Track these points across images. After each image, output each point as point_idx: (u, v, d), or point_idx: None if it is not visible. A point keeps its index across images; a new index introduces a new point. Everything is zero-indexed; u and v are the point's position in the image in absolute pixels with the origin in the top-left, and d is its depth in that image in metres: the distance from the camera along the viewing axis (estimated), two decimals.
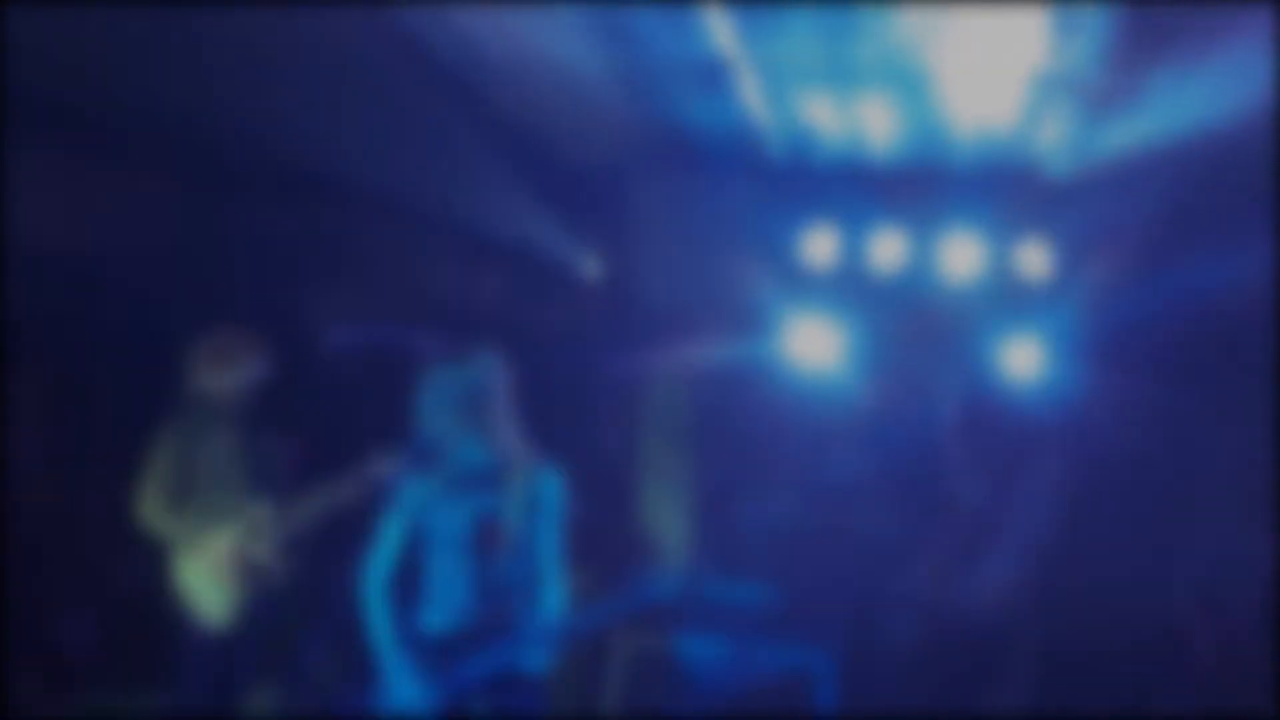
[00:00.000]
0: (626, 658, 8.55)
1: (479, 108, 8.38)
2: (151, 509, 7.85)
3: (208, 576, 7.84)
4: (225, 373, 7.94)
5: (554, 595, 6.40)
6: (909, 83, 7.81)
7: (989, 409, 7.61)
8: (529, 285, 9.62)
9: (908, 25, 6.99)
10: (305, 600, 8.20)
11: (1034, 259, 9.29)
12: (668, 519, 9.69)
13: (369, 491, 7.28)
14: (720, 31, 7.13)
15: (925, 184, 9.24)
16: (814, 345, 9.37)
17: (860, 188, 9.27)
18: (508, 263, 9.49)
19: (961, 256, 9.32)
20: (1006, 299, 9.24)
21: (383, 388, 8.94)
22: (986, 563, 7.83)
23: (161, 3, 6.89)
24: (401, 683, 6.25)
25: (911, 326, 9.31)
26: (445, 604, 6.33)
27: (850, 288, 9.36)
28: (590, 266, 9.84)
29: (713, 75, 7.78)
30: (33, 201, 8.25)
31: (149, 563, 8.19)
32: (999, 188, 9.20)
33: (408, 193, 8.69)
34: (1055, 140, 8.57)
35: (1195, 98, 7.67)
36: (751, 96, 8.09)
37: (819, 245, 9.40)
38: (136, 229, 9.18)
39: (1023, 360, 9.11)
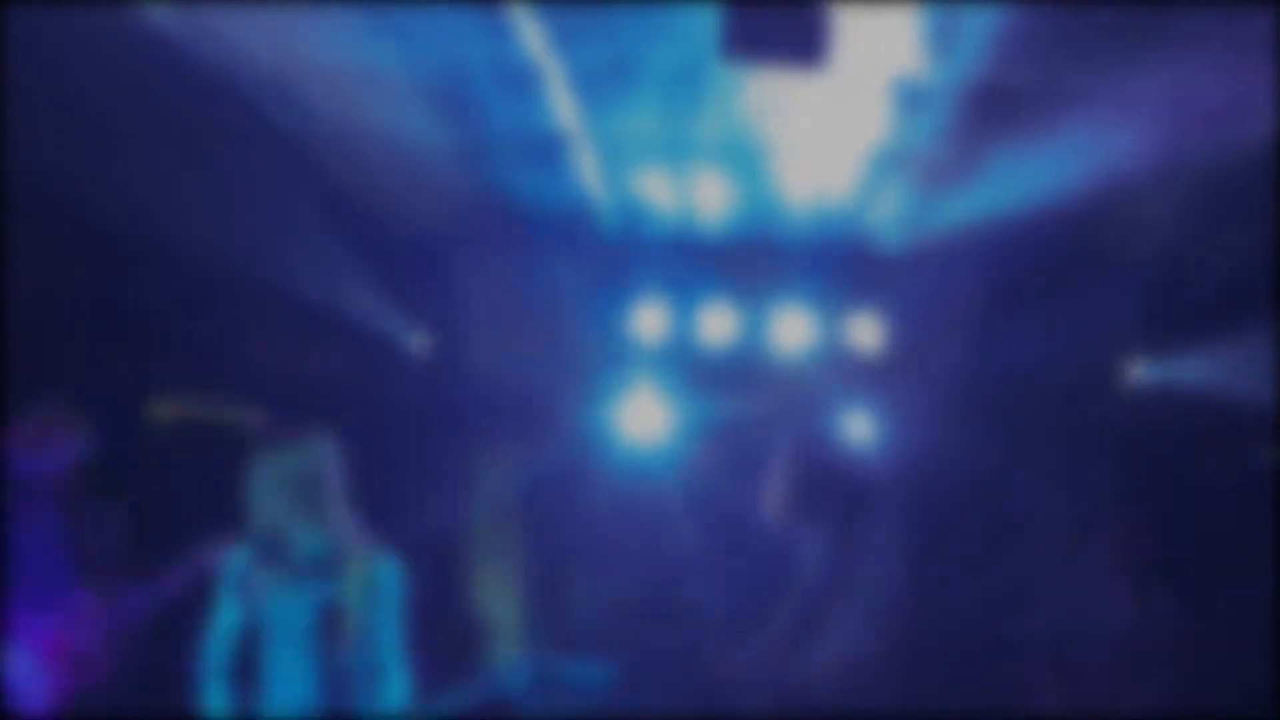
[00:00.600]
0: None
1: (313, 176, 8.21)
2: None
3: (30, 666, 7.56)
4: (44, 456, 7.68)
5: (397, 685, 6.18)
6: (745, 157, 7.79)
7: (820, 469, 7.55)
8: (360, 359, 9.42)
9: (749, 100, 6.94)
10: (133, 690, 7.92)
11: (866, 331, 9.31)
12: (503, 600, 9.55)
13: (197, 581, 7.08)
14: (562, 107, 7.04)
15: (757, 257, 9.25)
16: (645, 420, 9.31)
17: (691, 262, 9.25)
18: (339, 335, 9.28)
19: (793, 329, 9.33)
20: (839, 371, 9.24)
21: (209, 462, 8.74)
22: (831, 633, 7.75)
23: None
24: None
25: (743, 399, 9.27)
26: (285, 697, 6.08)
27: (681, 361, 9.32)
28: (421, 340, 9.68)
29: (549, 150, 7.71)
30: None
31: None
32: (831, 261, 9.23)
33: (239, 261, 8.46)
34: (889, 214, 8.59)
35: (1028, 173, 7.73)
36: (587, 171, 8.01)
37: (649, 320, 9.34)
38: None
39: (856, 428, 9.10)
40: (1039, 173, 7.72)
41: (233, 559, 6.19)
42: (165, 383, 9.13)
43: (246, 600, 6.11)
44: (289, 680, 6.08)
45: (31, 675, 7.53)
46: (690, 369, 9.32)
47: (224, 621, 6.15)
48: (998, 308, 9.21)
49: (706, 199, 8.45)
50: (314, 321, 9.14)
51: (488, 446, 9.60)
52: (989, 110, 7.09)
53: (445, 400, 9.46)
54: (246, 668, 6.17)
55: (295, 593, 6.09)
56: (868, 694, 7.82)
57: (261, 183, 8.16)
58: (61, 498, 7.71)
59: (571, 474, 9.39)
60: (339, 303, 9.07)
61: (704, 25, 5.86)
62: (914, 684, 8.10)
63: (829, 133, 7.37)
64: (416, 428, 9.22)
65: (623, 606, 9.32)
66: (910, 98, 6.95)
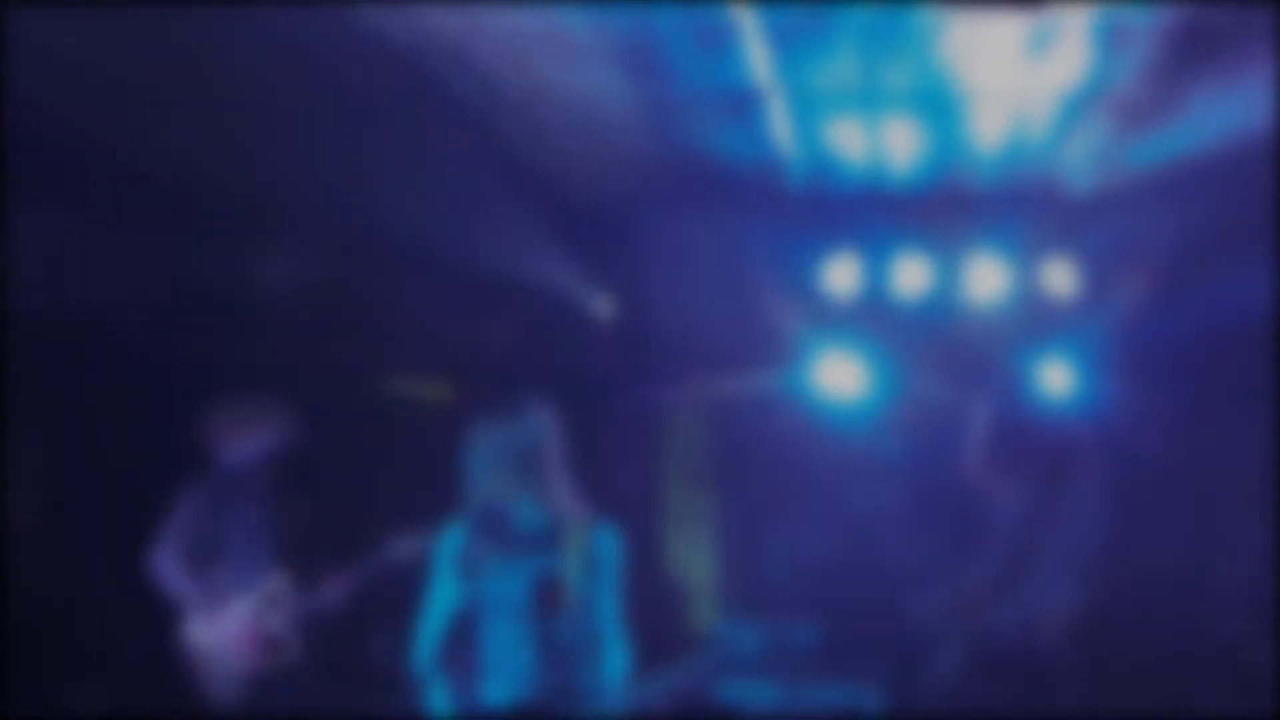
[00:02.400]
0: (675, 709, 8.30)
1: (495, 145, 8.12)
2: (169, 570, 7.62)
3: (221, 647, 7.59)
4: (247, 442, 7.72)
5: (618, 657, 6.07)
6: (939, 105, 7.59)
7: (1021, 429, 7.41)
8: (547, 326, 9.36)
9: (947, 46, 6.77)
10: (323, 678, 7.92)
11: (1060, 278, 9.11)
12: (698, 563, 9.48)
13: (390, 571, 7.06)
14: (756, 60, 6.88)
15: (949, 206, 9.07)
16: (839, 375, 9.18)
17: (882, 213, 9.09)
18: (525, 304, 9.23)
19: (986, 279, 9.16)
20: (1034, 319, 9.06)
21: (397, 445, 8.73)
22: (1028, 586, 7.62)
23: (159, 48, 6.60)
24: None
25: (938, 351, 9.12)
26: (506, 673, 5.98)
27: (874, 315, 9.17)
28: (608, 305, 9.59)
29: (741, 105, 7.54)
30: (27, 259, 7.98)
31: (159, 632, 7.94)
32: (1024, 207, 9.06)
33: (419, 236, 8.40)
34: (1083, 156, 8.37)
35: (1225, 113, 7.50)
36: (778, 125, 7.85)
37: (841, 274, 9.22)
38: (140, 285, 8.89)
39: (1054, 379, 8.96)
40: (1236, 113, 7.47)
41: (450, 536, 6.09)
42: (359, 366, 9.16)
43: (466, 577, 6.02)
44: (508, 656, 5.98)
45: (223, 656, 7.56)
46: (883, 322, 9.17)
47: (442, 599, 6.06)
48: (1193, 251, 8.96)
49: (898, 149, 8.27)
50: (499, 291, 9.10)
51: (678, 408, 9.52)
52: (1189, 48, 6.87)
53: (634, 364, 9.38)
54: (462, 647, 6.10)
55: (514, 566, 5.99)
56: (1061, 650, 7.70)
57: (448, 159, 8.09)
58: (262, 484, 7.74)
59: (764, 432, 9.29)
60: (524, 271, 9.01)
61: None
62: (1110, 640, 7.97)
63: (1026, 76, 7.17)
64: (605, 393, 9.15)
65: (817, 564, 9.22)
66: (1112, 35, 6.74)
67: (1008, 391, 8.62)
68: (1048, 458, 7.47)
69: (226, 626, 7.60)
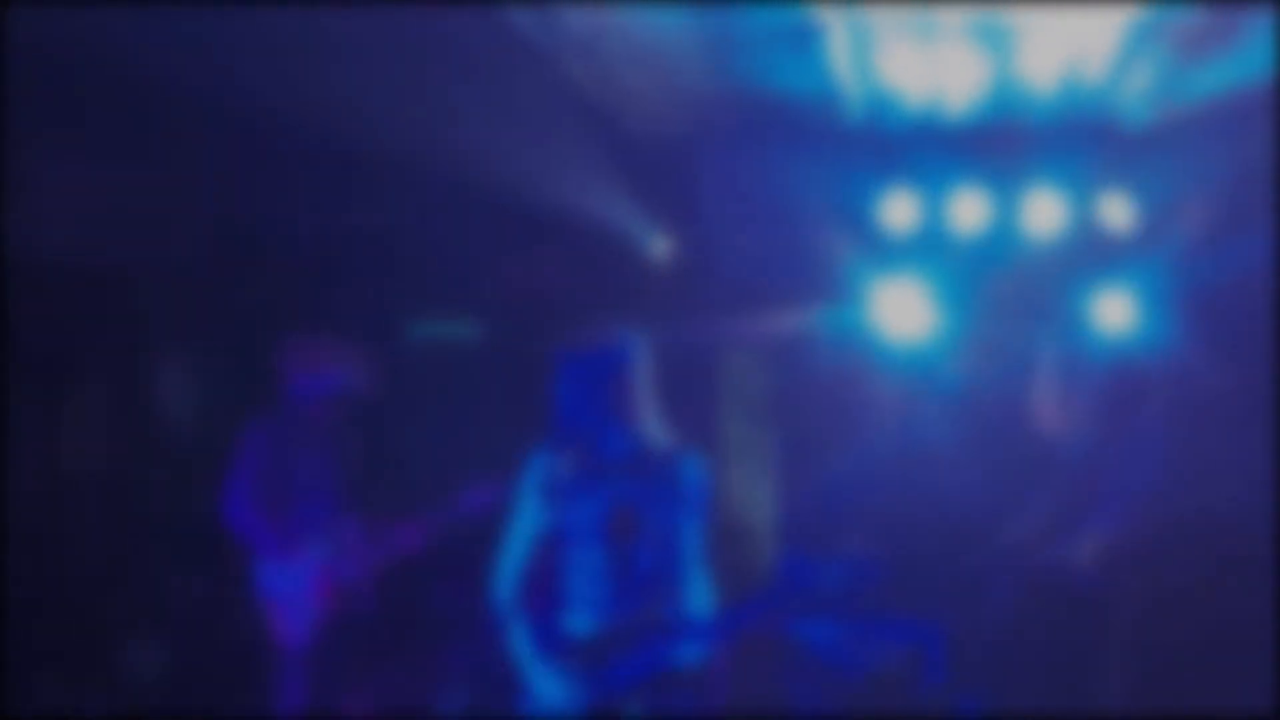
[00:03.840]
0: (742, 645, 8.33)
1: (557, 81, 8.12)
2: (240, 514, 7.65)
3: (293, 593, 7.62)
4: (320, 381, 7.73)
5: (701, 588, 6.09)
6: (996, 37, 7.58)
7: (1082, 364, 7.41)
8: (605, 263, 9.36)
9: None
10: (394, 626, 7.97)
11: (1118, 211, 9.11)
12: (758, 499, 9.49)
13: (464, 521, 7.09)
14: None
15: (1006, 140, 9.07)
16: (899, 310, 9.18)
17: (939, 148, 9.09)
18: (583, 241, 9.23)
19: (1044, 212, 9.16)
20: (1092, 253, 9.06)
21: (467, 386, 8.75)
22: (1090, 520, 7.62)
23: None
24: (550, 692, 5.94)
25: (997, 285, 9.12)
26: (588, 602, 5.99)
27: (933, 250, 9.17)
28: (662, 241, 9.59)
29: (800, 38, 7.53)
30: (55, 203, 8.00)
31: (214, 579, 7.98)
32: (1081, 140, 9.05)
33: (481, 172, 8.41)
34: (1140, 90, 8.36)
35: None
36: (837, 56, 7.84)
37: (899, 209, 9.21)
38: (191, 231, 8.92)
39: (1114, 313, 8.94)
40: None
41: (536, 463, 6.11)
42: (419, 307, 9.18)
43: (550, 504, 6.04)
44: (591, 585, 5.99)
45: (295, 600, 7.59)
46: (942, 256, 9.17)
47: (526, 526, 6.08)
48: (1249, 185, 8.94)
49: (954, 82, 8.26)
50: (558, 229, 9.10)
51: (738, 345, 9.52)
52: None
53: (693, 301, 9.38)
54: (546, 576, 6.13)
55: (596, 494, 6.00)
56: (1120, 585, 7.71)
57: (508, 91, 8.08)
58: (335, 425, 7.76)
59: (823, 369, 9.29)
60: (585, 206, 9.00)
61: None
62: (1167, 577, 7.98)
63: (1083, 11, 7.16)
64: (664, 330, 9.15)
65: (877, 500, 9.22)
66: None
67: (1070, 327, 8.61)
68: (1112, 393, 7.46)
69: (300, 572, 7.63)
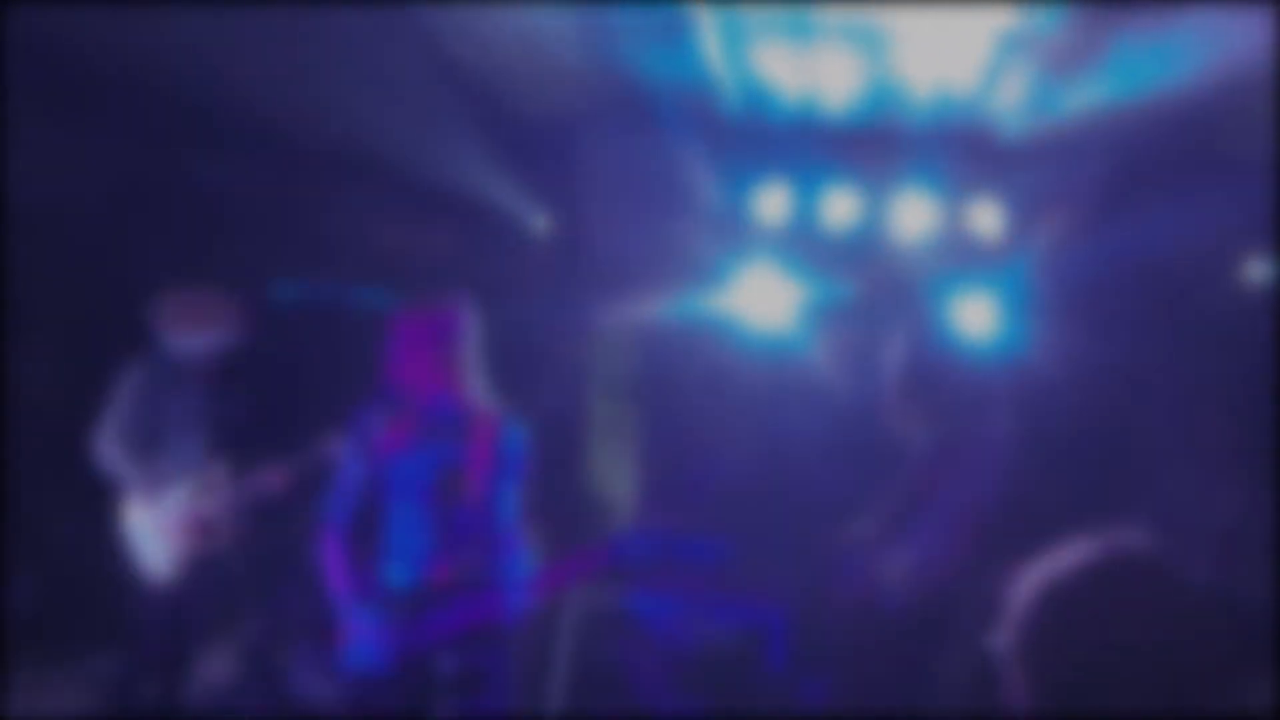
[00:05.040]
0: (581, 615, 8.51)
1: (439, 60, 8.26)
2: (110, 451, 7.78)
3: (156, 530, 7.76)
4: (198, 334, 7.88)
5: (518, 549, 6.32)
6: (870, 41, 7.76)
7: (936, 367, 7.55)
8: (482, 239, 9.51)
9: None
10: (253, 563, 8.12)
11: (987, 218, 9.31)
12: (617, 476, 9.65)
13: (322, 466, 7.25)
14: None
15: (880, 142, 9.22)
16: (765, 302, 9.33)
17: (814, 145, 9.23)
18: (462, 216, 9.38)
19: (914, 215, 9.34)
20: (959, 258, 9.25)
21: (331, 345, 8.89)
22: (922, 528, 7.78)
23: None
24: (364, 637, 6.15)
25: (862, 284, 9.30)
26: (408, 556, 6.22)
27: (802, 245, 9.34)
28: (541, 221, 9.76)
29: (675, 27, 7.69)
30: None
31: (89, 519, 8.09)
32: (954, 148, 9.19)
33: (358, 144, 8.56)
34: (1012, 101, 8.55)
35: (1154, 63, 7.68)
36: (711, 50, 8.02)
37: (771, 202, 9.37)
38: (83, 180, 9.01)
39: (975, 318, 9.10)
40: (1165, 62, 7.67)
41: (364, 417, 6.33)
42: (294, 268, 9.31)
43: (373, 457, 6.25)
44: (412, 539, 6.22)
45: (159, 536, 7.74)
46: (810, 252, 9.34)
47: (351, 477, 6.30)
48: (1118, 198, 9.16)
49: (831, 82, 8.44)
50: (438, 203, 9.25)
51: (608, 325, 9.67)
52: None
53: (565, 279, 9.54)
54: (367, 530, 6.33)
55: (422, 452, 6.22)
56: (934, 598, 7.86)
57: (389, 70, 8.23)
58: (207, 376, 7.90)
59: (691, 355, 9.45)
60: (463, 185, 9.15)
61: None
62: (989, 593, 8.13)
63: (955, 16, 7.34)
64: (537, 306, 9.32)
65: (735, 486, 9.40)
66: None
67: (926, 328, 8.77)
68: (959, 399, 7.58)
69: (164, 510, 7.77)
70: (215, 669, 8.59)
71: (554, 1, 7.44)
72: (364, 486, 6.28)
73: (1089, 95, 8.30)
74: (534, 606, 6.60)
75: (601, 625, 8.58)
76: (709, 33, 7.76)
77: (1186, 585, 3.16)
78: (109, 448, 7.80)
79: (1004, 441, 7.54)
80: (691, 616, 8.67)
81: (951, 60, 8.01)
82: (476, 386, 6.37)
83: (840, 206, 9.33)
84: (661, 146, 9.25)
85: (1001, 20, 7.33)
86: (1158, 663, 3.05)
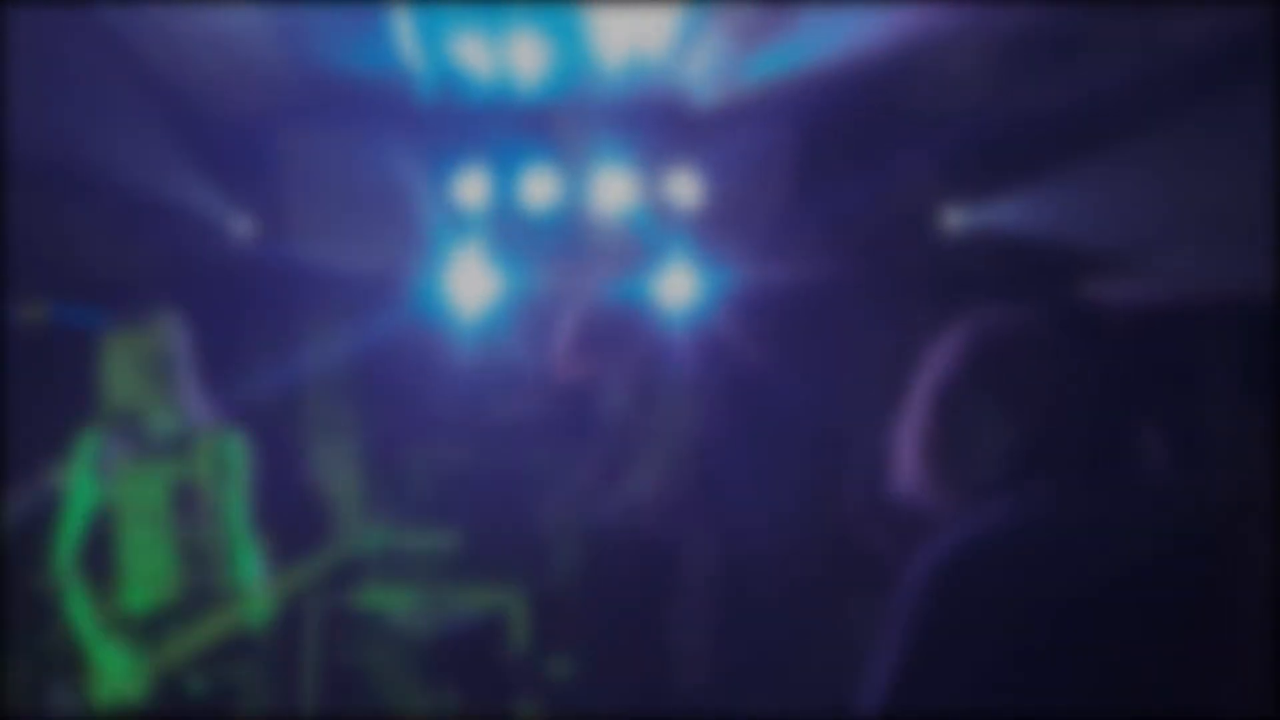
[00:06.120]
0: (322, 618, 8.49)
1: (129, 62, 8.11)
2: None
3: None
4: None
5: (251, 559, 6.29)
6: (559, 17, 7.82)
7: (609, 324, 7.68)
8: (186, 245, 9.35)
9: None
10: None
11: (685, 187, 9.43)
12: (343, 475, 9.62)
13: (45, 499, 7.11)
14: None
15: (575, 119, 9.28)
16: (472, 287, 9.34)
17: (511, 127, 9.26)
18: (163, 222, 9.20)
19: (613, 189, 9.41)
20: (659, 229, 9.37)
21: (42, 368, 8.68)
22: (634, 475, 7.90)
23: None
24: (114, 667, 6.06)
25: (567, 260, 9.39)
26: (146, 578, 6.15)
27: (504, 226, 9.38)
28: (247, 223, 9.64)
29: (369, 19, 7.67)
30: None
31: None
32: (648, 120, 9.30)
33: (57, 155, 8.35)
34: (703, 70, 8.67)
35: (839, 28, 7.86)
36: (404, 40, 8.00)
37: (471, 186, 9.36)
38: None
39: (673, 287, 9.24)
40: (850, 28, 7.85)
41: (87, 442, 6.23)
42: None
43: (102, 482, 6.16)
44: (146, 560, 6.15)
45: None
46: (514, 234, 9.39)
47: (80, 504, 6.19)
48: (812, 161, 9.37)
49: (523, 62, 8.47)
50: (137, 210, 9.06)
51: (320, 323, 9.62)
52: None
53: (273, 280, 9.45)
54: (101, 550, 6.23)
55: (150, 473, 6.15)
56: (669, 533, 8.01)
57: (81, 76, 8.05)
58: None
59: (403, 346, 9.43)
60: (161, 191, 8.99)
61: None
62: (720, 523, 8.31)
63: None
64: (246, 310, 9.23)
65: (454, 474, 9.45)
66: None
67: (624, 300, 8.89)
68: (636, 345, 7.71)
69: None
70: None
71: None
72: (93, 512, 6.19)
73: (779, 62, 8.44)
74: (274, 614, 6.55)
75: (343, 627, 8.58)
76: (403, 25, 7.75)
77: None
78: None
79: (692, 394, 7.69)
80: (429, 608, 8.71)
81: (640, 32, 8.10)
82: (195, 400, 6.30)
83: (539, 186, 9.36)
84: (361, 139, 9.22)
85: None
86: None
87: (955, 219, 9.53)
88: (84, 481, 6.20)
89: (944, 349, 3.32)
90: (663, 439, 7.60)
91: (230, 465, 6.30)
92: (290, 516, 7.84)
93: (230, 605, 6.18)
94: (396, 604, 8.73)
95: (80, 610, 6.14)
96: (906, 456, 3.35)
